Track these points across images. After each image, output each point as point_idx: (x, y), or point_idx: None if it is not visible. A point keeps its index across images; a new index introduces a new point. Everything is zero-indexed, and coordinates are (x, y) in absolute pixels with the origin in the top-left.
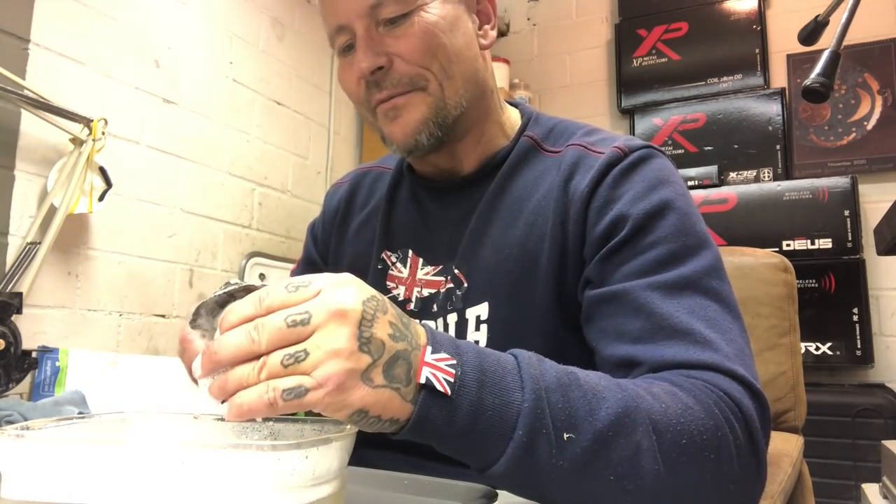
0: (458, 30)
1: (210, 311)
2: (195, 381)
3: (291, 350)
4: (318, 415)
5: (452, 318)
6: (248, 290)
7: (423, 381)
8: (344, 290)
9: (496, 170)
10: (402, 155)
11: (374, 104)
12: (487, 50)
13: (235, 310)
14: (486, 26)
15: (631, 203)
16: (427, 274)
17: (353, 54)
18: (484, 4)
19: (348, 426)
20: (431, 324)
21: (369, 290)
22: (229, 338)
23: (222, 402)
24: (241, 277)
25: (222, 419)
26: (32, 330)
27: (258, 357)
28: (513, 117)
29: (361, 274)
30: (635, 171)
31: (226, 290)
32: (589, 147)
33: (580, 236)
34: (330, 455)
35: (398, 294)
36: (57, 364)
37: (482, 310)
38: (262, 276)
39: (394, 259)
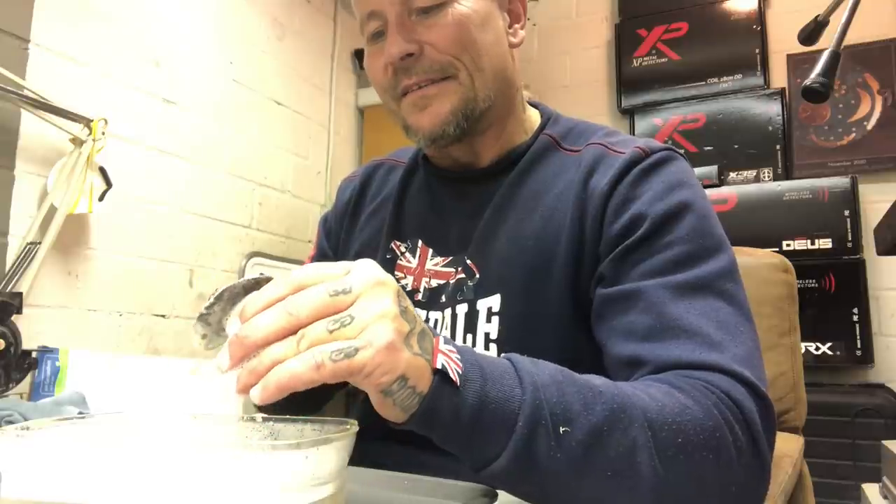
0: (489, 25)
1: (233, 296)
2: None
3: (336, 317)
4: (321, 414)
5: (462, 309)
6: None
7: (439, 366)
8: (375, 266)
9: (514, 164)
10: (425, 145)
11: (401, 90)
12: (516, 49)
13: (263, 293)
14: (516, 25)
15: (650, 203)
16: (436, 265)
17: (383, 41)
18: (515, 4)
19: (349, 426)
20: (439, 315)
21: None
22: (261, 318)
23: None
24: (242, 277)
25: (222, 419)
26: (32, 330)
27: (294, 333)
28: (533, 117)
29: None
30: (656, 172)
31: (249, 277)
32: (610, 146)
33: (597, 233)
34: (330, 455)
35: (406, 284)
36: (57, 364)
37: (494, 301)
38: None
39: (403, 249)
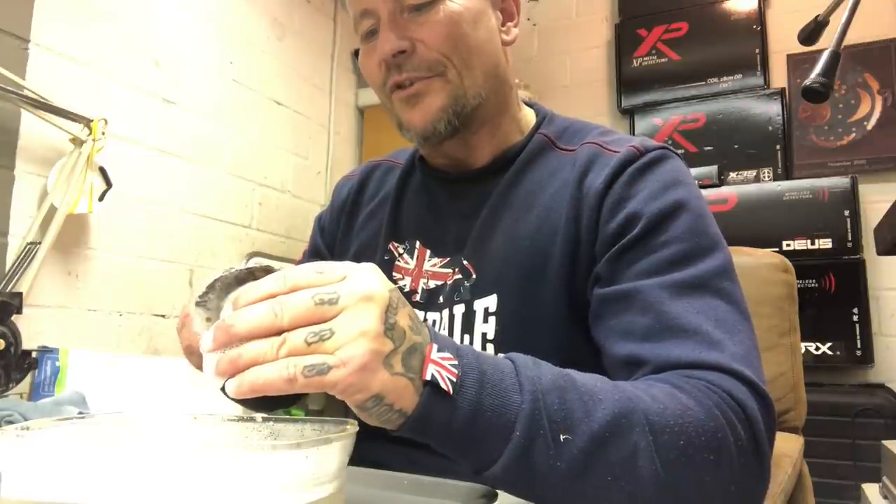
0: (482, 23)
1: (226, 287)
2: (191, 361)
3: (317, 328)
4: (320, 413)
5: (459, 310)
6: (269, 271)
7: (428, 377)
8: (371, 276)
9: (509, 164)
10: (418, 142)
11: (391, 85)
12: (509, 47)
13: (257, 286)
14: (510, 23)
15: (645, 202)
16: (434, 266)
17: (376, 39)
18: (508, 3)
19: (349, 426)
20: (437, 315)
21: (389, 283)
22: (249, 312)
23: (227, 378)
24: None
25: (222, 419)
26: (32, 330)
27: (277, 334)
28: (528, 116)
29: None
30: (650, 171)
31: (246, 266)
32: (604, 146)
33: (593, 233)
34: (330, 455)
35: (404, 285)
36: (57, 364)
37: (490, 302)
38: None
39: (401, 250)
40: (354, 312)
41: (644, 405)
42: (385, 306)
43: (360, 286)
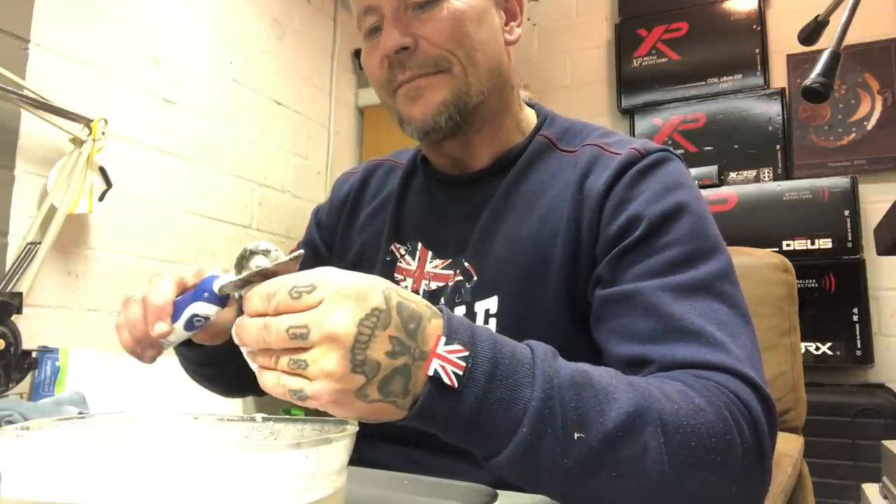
0: (485, 22)
1: (235, 290)
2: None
3: (295, 357)
4: (319, 413)
5: (460, 311)
6: (264, 275)
7: (430, 373)
8: (341, 310)
9: (510, 166)
10: (418, 136)
11: (396, 84)
12: (512, 46)
13: (252, 299)
14: (513, 23)
15: (646, 204)
16: (436, 267)
17: (379, 37)
18: (511, 3)
19: (349, 426)
20: None
21: (370, 303)
22: (249, 327)
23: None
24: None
25: (222, 419)
26: (32, 330)
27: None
28: (529, 117)
29: (369, 265)
30: (652, 173)
31: (242, 276)
32: (605, 147)
33: (594, 234)
34: (330, 455)
35: (406, 287)
36: (57, 364)
37: (491, 303)
38: None
39: (403, 251)
40: (321, 351)
41: (658, 404)
42: (350, 346)
43: (327, 323)
